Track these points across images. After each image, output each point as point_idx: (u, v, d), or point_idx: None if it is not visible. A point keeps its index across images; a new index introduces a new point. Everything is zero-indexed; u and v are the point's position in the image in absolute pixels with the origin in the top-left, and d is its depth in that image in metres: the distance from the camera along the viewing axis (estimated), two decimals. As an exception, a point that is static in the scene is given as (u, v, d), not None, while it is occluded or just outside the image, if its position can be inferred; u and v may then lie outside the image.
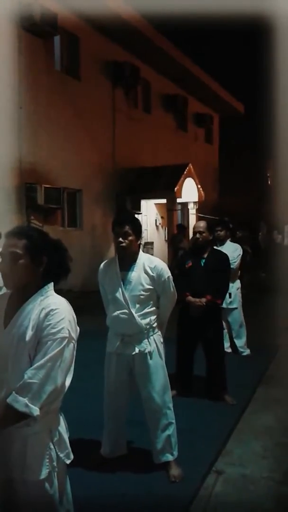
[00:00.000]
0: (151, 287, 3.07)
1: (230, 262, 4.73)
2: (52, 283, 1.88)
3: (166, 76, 15.18)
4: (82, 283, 7.91)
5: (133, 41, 12.36)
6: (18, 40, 9.35)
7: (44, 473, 1.78)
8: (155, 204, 14.55)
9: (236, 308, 5.84)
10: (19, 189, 9.51)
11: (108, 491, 2.95)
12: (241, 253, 5.86)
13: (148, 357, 3.09)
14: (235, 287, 5.75)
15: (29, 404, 1.67)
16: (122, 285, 3.06)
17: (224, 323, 5.25)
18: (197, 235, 4.44)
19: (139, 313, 3.05)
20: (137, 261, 3.10)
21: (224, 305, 5.03)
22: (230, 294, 5.47)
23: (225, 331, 5.58)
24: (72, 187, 11.30)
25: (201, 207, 15.21)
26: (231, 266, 4.97)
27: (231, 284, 5.17)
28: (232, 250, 5.56)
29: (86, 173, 11.60)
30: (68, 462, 1.89)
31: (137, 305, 3.05)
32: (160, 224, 15.05)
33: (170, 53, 13.87)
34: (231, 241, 5.94)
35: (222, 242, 5.67)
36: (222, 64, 14.00)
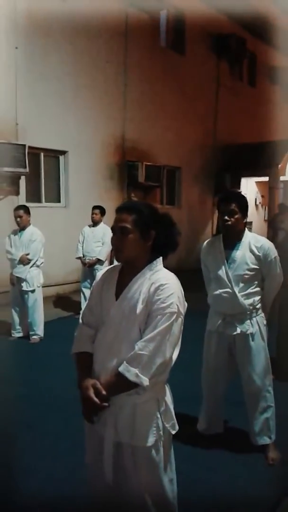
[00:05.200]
0: (256, 266, 2.98)
1: None
2: (161, 258, 1.91)
3: (273, 47, 14.39)
4: (177, 261, 7.97)
5: (239, 12, 11.84)
6: (125, 17, 9.43)
7: (151, 440, 1.85)
8: (256, 182, 14.06)
9: None
10: (121, 166, 9.75)
11: (201, 466, 2.99)
12: None
13: (250, 339, 3.04)
14: None
15: (140, 375, 1.75)
16: (226, 264, 3.01)
17: None
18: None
19: (243, 293, 2.99)
20: (243, 239, 3.02)
21: None
22: None
23: None
24: (172, 164, 11.32)
25: (307, 186, 14.39)
26: None
27: None
28: None
29: (186, 150, 11.52)
30: (173, 432, 1.95)
31: (241, 285, 2.99)
32: (260, 203, 14.53)
33: (277, 23, 13.08)
34: None
35: None
36: None
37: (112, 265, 2.11)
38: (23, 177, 7.72)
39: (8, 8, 7.25)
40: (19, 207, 5.71)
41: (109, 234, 6.54)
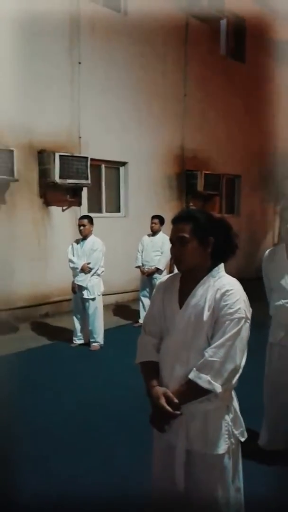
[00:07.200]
0: None
1: None
2: (222, 264, 1.91)
3: None
4: (237, 270, 7.81)
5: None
6: (185, 27, 9.52)
7: (223, 447, 1.85)
8: None
9: None
10: (180, 176, 9.78)
11: (262, 482, 2.90)
12: None
13: (315, 352, 2.93)
14: None
15: (212, 381, 1.75)
16: (290, 274, 2.93)
17: None
18: None
19: (307, 304, 2.89)
20: (308, 249, 2.93)
21: None
22: None
23: None
24: (232, 173, 11.20)
25: None
26: None
27: None
28: None
29: (245, 159, 11.36)
30: (242, 440, 1.93)
31: (305, 295, 2.90)
32: None
33: None
34: None
35: None
36: None
37: (171, 274, 2.12)
38: (85, 188, 7.95)
39: (72, 24, 7.54)
40: (84, 217, 5.89)
41: (168, 243, 6.55)
